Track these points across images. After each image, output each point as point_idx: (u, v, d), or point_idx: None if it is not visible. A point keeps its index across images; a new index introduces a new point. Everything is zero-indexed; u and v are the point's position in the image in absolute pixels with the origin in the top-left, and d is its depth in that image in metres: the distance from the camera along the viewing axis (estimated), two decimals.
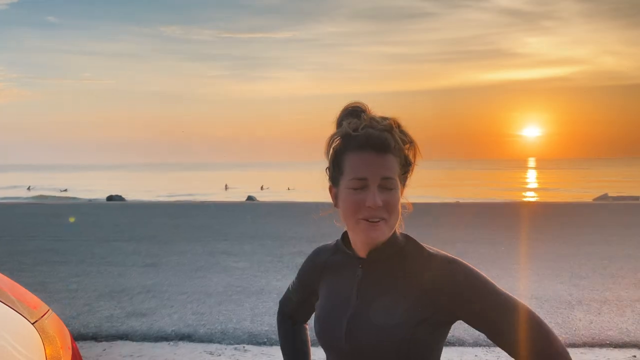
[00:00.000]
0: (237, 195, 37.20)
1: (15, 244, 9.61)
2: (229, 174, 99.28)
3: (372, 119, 1.11)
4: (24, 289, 0.95)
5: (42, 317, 0.93)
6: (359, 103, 1.15)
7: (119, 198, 26.54)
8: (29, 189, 54.06)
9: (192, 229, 11.70)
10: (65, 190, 50.49)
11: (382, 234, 1.09)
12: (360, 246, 1.16)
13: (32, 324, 0.90)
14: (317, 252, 1.30)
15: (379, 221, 1.07)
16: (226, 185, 55.66)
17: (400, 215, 1.13)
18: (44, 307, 0.97)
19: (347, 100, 1.16)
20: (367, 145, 1.08)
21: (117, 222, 13.34)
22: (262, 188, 51.42)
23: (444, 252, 1.13)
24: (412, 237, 1.18)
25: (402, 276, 1.11)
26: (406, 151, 1.14)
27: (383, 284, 1.13)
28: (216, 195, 40.32)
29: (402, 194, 1.15)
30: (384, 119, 1.12)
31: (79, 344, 4.54)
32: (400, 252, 1.15)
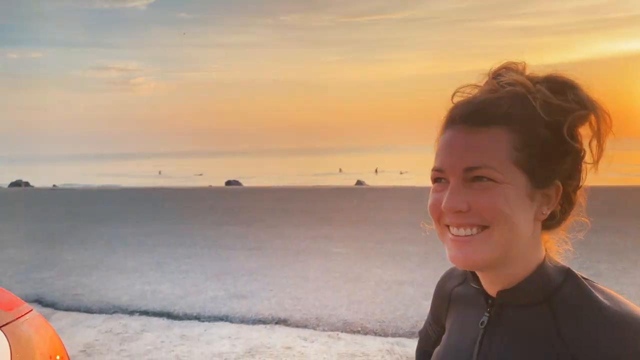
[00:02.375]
0: (350, 179, 37.44)
1: (139, 226, 10.46)
2: (345, 158, 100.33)
3: (498, 81, 0.75)
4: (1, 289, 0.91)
5: (16, 319, 0.88)
6: (508, 63, 0.77)
7: (236, 183, 27.98)
8: (159, 173, 59.21)
9: (299, 213, 11.94)
10: (201, 174, 54.54)
11: (474, 255, 0.72)
12: (485, 278, 0.79)
13: (0, 327, 0.85)
14: (445, 278, 0.97)
15: (470, 235, 0.72)
16: (340, 169, 56.25)
17: (532, 231, 0.74)
18: (24, 308, 0.92)
19: (468, 78, 0.78)
20: (456, 119, 0.74)
21: (231, 206, 14.01)
22: (376, 171, 51.34)
23: (625, 301, 0.70)
24: (575, 271, 0.75)
25: (551, 338, 0.71)
26: (565, 124, 0.71)
27: (517, 344, 0.74)
28: (329, 179, 40.94)
29: (550, 195, 0.74)
30: (529, 77, 0.74)
31: (184, 324, 4.79)
32: (553, 297, 0.73)
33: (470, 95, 0.77)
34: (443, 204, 0.72)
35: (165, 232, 9.59)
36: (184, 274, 6.49)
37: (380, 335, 4.48)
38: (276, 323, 4.78)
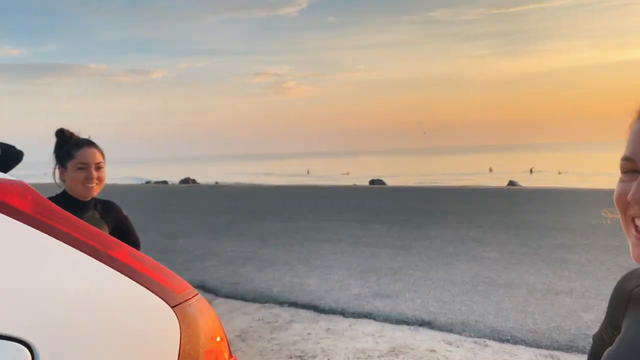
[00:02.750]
0: (501, 179, 35.51)
1: (289, 221, 11.02)
2: (496, 156, 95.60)
3: None
4: (169, 271, 1.01)
5: (185, 301, 0.97)
6: None
7: (380, 182, 28.14)
8: (308, 173, 61.93)
9: (445, 214, 11.63)
10: (347, 173, 56.19)
11: None
12: None
13: (172, 307, 0.94)
14: (624, 279, 0.95)
15: None
16: (490, 169, 53.77)
17: None
18: (192, 291, 1.01)
19: (637, 67, 0.70)
20: None
21: (375, 205, 14.12)
22: (531, 171, 48.16)
23: None
24: None
25: None
26: None
27: None
28: (478, 179, 39.26)
29: None
30: None
31: (329, 317, 4.95)
32: None
33: None
34: (630, 195, 0.69)
35: (313, 228, 9.99)
36: (330, 270, 6.69)
37: (532, 346, 4.19)
38: (420, 325, 4.72)
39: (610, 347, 0.83)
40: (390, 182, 31.90)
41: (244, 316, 5.04)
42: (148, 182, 37.48)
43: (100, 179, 2.42)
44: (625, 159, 0.72)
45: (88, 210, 2.45)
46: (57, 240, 0.86)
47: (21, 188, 0.90)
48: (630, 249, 0.72)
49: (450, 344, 4.26)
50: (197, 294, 1.01)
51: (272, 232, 9.79)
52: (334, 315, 5.02)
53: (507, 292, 5.52)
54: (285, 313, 5.11)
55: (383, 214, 12.06)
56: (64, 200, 2.43)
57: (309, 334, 4.52)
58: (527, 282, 5.88)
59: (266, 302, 5.49)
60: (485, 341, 4.29)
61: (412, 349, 4.15)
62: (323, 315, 5.02)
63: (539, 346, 4.17)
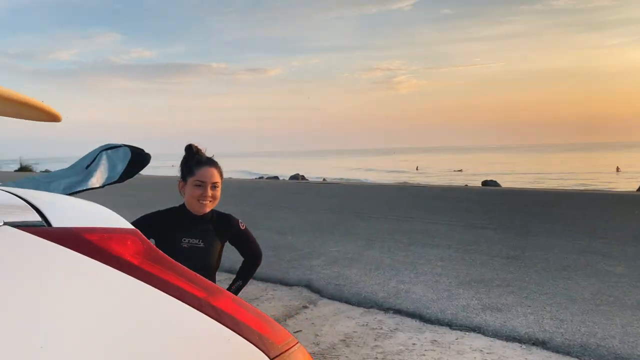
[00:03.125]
0: (632, 181, 32.36)
1: (395, 223, 10.88)
2: (623, 155, 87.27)
3: None
4: (271, 319, 1.01)
5: (284, 352, 0.95)
6: None
7: (493, 183, 26.84)
8: (417, 169, 60.99)
9: (564, 221, 10.81)
10: (460, 170, 54.67)
11: None
12: None
13: (271, 359, 0.93)
14: None
15: None
16: (617, 168, 49.30)
17: None
18: (292, 340, 0.98)
19: None
20: None
21: (489, 208, 13.50)
22: None
23: None
24: None
25: None
26: None
27: None
28: (604, 178, 36.12)
29: None
30: None
31: (435, 328, 4.83)
32: None
33: None
34: None
35: (420, 232, 9.78)
36: (437, 277, 6.52)
37: None
38: (533, 344, 4.44)
39: None
40: (505, 180, 30.39)
41: (348, 320, 5.06)
42: (260, 177, 39.07)
43: (214, 197, 2.57)
44: None
45: (202, 223, 2.60)
46: (163, 293, 0.90)
47: (134, 237, 0.95)
48: None
49: None
50: (297, 343, 1.01)
51: (378, 233, 9.74)
52: (440, 327, 4.88)
53: (636, 315, 5.01)
54: (390, 320, 5.06)
55: (496, 218, 11.50)
56: (181, 212, 2.60)
57: (413, 344, 4.44)
58: None
59: (370, 307, 5.47)
60: None
61: None
62: (429, 326, 4.91)
63: None
